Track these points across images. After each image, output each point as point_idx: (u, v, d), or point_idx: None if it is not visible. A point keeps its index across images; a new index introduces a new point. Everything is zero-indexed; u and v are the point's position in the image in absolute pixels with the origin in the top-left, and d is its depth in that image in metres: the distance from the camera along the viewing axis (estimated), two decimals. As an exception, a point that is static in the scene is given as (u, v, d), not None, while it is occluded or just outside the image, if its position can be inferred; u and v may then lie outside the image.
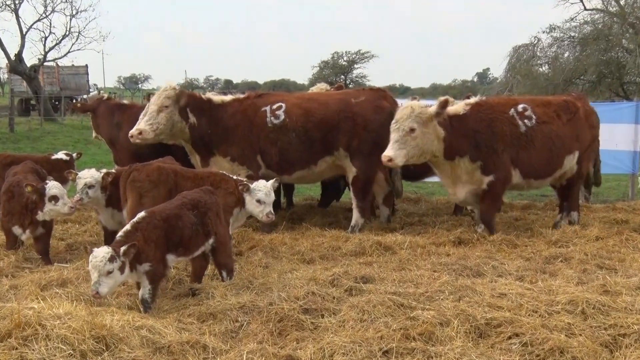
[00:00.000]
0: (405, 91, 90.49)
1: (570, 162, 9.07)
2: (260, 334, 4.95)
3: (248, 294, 5.76)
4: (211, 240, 6.06)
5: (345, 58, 62.19)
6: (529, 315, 5.23)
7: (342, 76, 61.26)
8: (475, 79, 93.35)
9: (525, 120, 8.67)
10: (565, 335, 4.81)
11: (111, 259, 5.07)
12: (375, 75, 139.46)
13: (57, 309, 4.66)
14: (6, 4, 33.36)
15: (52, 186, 6.95)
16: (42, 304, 4.76)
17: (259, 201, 6.83)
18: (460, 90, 68.29)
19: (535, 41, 36.37)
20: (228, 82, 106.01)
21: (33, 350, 4.13)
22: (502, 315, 5.13)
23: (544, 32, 35.94)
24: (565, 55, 35.38)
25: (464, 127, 8.43)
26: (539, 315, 5.23)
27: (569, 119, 8.97)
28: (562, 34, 35.10)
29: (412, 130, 8.06)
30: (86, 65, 45.63)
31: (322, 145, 9.08)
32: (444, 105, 8.20)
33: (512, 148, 8.61)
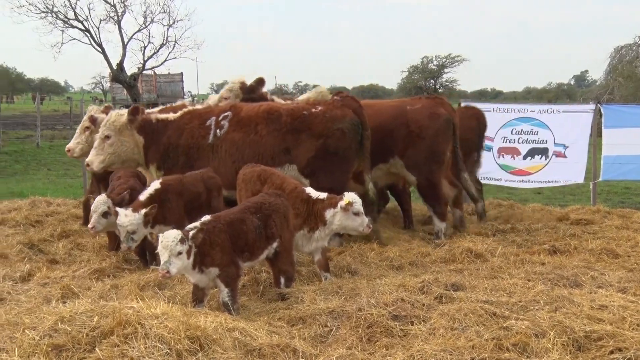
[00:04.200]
0: (497, 95, 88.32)
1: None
2: (350, 339, 4.95)
3: (337, 299, 5.77)
4: (275, 244, 6.08)
5: (435, 62, 61.07)
6: (633, 329, 4.94)
7: (432, 80, 60.23)
8: (572, 82, 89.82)
9: (218, 130, 8.22)
10: (674, 352, 4.52)
11: (182, 241, 5.24)
12: (466, 79, 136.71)
13: (155, 309, 4.83)
14: (110, 16, 35.30)
15: (94, 200, 7.27)
16: (141, 303, 4.95)
17: (357, 214, 6.46)
18: (556, 93, 65.78)
19: (640, 41, 34.64)
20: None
21: (133, 348, 4.31)
22: (603, 328, 4.88)
23: (650, 32, 34.18)
24: (674, 55, 33.50)
25: (163, 134, 8.32)
26: (644, 330, 4.94)
27: (276, 128, 8.08)
28: (670, 33, 33.23)
29: (107, 137, 8.21)
30: (181, 73, 47.59)
31: (376, 153, 8.84)
32: (133, 112, 8.19)
33: (200, 161, 8.17)
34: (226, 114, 8.34)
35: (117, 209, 6.83)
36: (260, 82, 9.65)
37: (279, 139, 8.11)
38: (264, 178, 7.07)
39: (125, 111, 8.37)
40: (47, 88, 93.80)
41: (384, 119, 8.96)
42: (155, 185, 7.21)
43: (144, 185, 7.98)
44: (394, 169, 9.17)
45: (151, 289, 6.36)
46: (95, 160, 8.31)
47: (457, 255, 7.61)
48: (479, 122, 10.46)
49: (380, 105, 9.32)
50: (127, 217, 6.64)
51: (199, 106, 9.27)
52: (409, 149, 8.94)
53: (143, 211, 6.65)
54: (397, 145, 8.97)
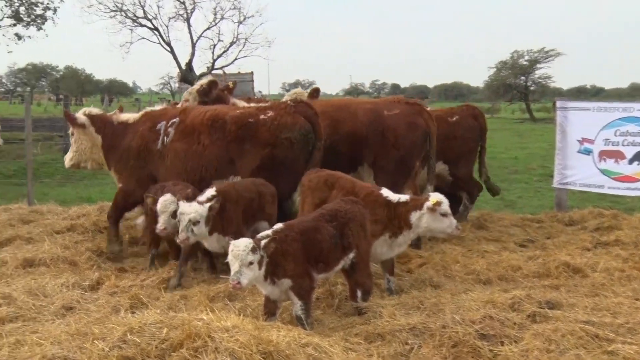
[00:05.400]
0: (597, 93, 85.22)
1: None
2: (433, 359, 4.89)
3: (418, 315, 5.72)
4: (351, 255, 6.05)
5: (526, 57, 59.29)
6: None
7: (523, 77, 58.52)
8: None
9: (165, 137, 8.45)
10: None
11: (253, 250, 5.26)
12: (562, 75, 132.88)
13: (225, 322, 4.90)
14: (179, 14, 36.43)
15: (159, 201, 7.30)
16: (211, 315, 5.04)
17: (444, 214, 6.44)
18: (668, 90, 62.61)
19: None
20: (395, 87, 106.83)
21: (203, 362, 4.40)
22: None
23: None
24: None
25: (123, 136, 8.54)
26: None
27: (219, 137, 8.13)
28: None
29: (72, 134, 8.61)
30: (251, 72, 48.40)
31: (347, 162, 8.72)
32: (69, 116, 8.73)
33: (150, 165, 8.53)
34: (174, 120, 8.54)
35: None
36: (211, 84, 9.84)
37: (222, 150, 8.14)
38: (331, 183, 7.06)
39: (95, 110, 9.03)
40: (116, 89, 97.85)
41: (359, 123, 8.86)
42: (211, 193, 7.19)
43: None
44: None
45: (221, 300, 6.49)
46: (67, 157, 9.04)
47: (552, 270, 7.41)
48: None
49: (355, 106, 9.17)
50: (191, 207, 6.77)
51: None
52: (379, 158, 8.86)
53: (208, 204, 6.78)
54: (369, 153, 8.88)
